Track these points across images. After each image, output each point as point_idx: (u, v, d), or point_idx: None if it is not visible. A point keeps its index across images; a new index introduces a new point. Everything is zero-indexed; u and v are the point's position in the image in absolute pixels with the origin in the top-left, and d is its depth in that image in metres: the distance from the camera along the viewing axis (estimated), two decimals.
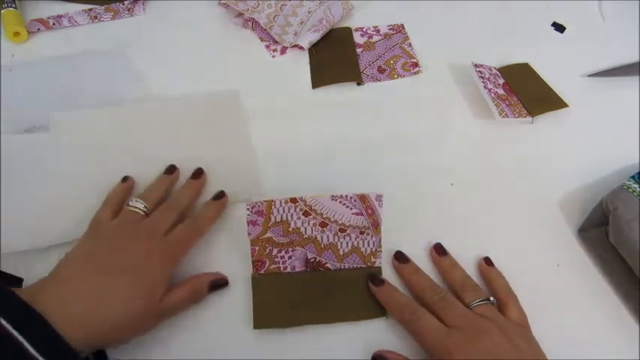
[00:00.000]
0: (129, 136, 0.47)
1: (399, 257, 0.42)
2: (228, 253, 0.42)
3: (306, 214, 0.39)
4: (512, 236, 0.45)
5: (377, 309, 0.40)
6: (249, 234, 0.39)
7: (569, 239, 0.45)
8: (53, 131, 0.47)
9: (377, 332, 0.40)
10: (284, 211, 0.39)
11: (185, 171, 0.45)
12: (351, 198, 0.39)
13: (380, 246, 0.41)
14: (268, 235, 0.40)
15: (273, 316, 0.39)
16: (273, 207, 0.39)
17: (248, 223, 0.39)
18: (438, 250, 0.42)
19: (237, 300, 0.40)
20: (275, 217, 0.39)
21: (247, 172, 0.47)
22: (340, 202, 0.39)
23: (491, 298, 0.37)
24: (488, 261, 0.42)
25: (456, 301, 0.37)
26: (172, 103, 0.51)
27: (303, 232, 0.40)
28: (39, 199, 0.43)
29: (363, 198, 0.39)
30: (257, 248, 0.40)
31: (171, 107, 0.50)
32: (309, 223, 0.40)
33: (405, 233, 0.44)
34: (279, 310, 0.39)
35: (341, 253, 0.41)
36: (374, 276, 0.40)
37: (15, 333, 0.28)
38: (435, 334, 0.35)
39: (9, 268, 0.38)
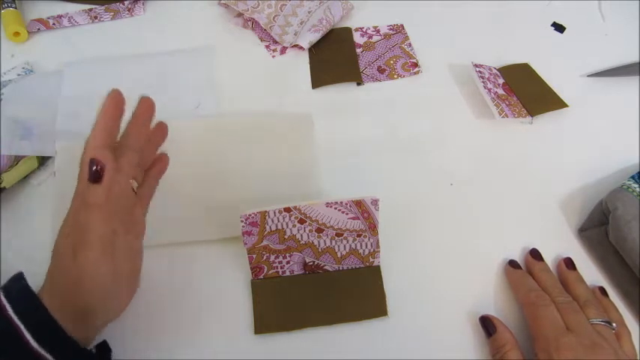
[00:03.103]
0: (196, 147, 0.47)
1: (534, 255, 0.43)
2: (228, 259, 0.43)
3: (301, 221, 0.39)
4: (512, 236, 0.45)
5: (377, 309, 0.40)
6: (245, 244, 0.39)
7: (569, 239, 0.45)
8: None
9: (377, 332, 0.40)
10: (278, 220, 0.39)
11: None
12: (346, 204, 0.39)
13: (378, 246, 0.41)
14: (265, 243, 0.40)
15: (273, 321, 0.39)
16: (267, 217, 0.39)
17: (243, 233, 0.39)
18: (567, 263, 0.42)
19: (238, 306, 0.40)
20: (270, 227, 0.39)
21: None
22: (335, 209, 0.39)
23: (614, 324, 0.37)
24: (603, 290, 0.42)
25: (580, 311, 0.38)
26: (248, 118, 0.51)
27: (300, 239, 0.40)
28: None
29: (358, 203, 0.39)
30: (254, 256, 0.40)
31: (245, 122, 0.50)
32: (305, 230, 0.40)
33: (405, 233, 0.44)
34: (279, 315, 0.40)
35: (339, 255, 0.41)
36: (513, 260, 0.43)
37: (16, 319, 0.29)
38: (553, 326, 0.36)
39: None
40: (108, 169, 0.32)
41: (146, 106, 0.38)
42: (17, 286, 0.32)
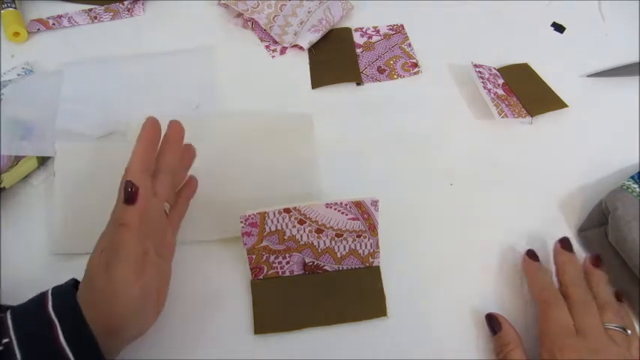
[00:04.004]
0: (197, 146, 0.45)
1: (564, 245, 0.41)
2: (228, 259, 0.43)
3: (301, 222, 0.39)
4: (512, 236, 0.45)
5: (377, 309, 0.40)
6: (244, 244, 0.39)
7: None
8: (129, 137, 0.48)
9: (377, 332, 0.40)
10: (278, 221, 0.39)
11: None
12: (346, 205, 0.39)
13: (377, 247, 0.41)
14: (264, 243, 0.40)
15: (273, 321, 0.39)
16: (266, 218, 0.39)
17: (243, 234, 0.39)
18: (594, 260, 0.41)
19: (238, 306, 0.40)
20: (269, 227, 0.39)
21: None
22: (335, 209, 0.39)
23: (629, 331, 0.37)
24: (619, 295, 0.41)
25: (597, 314, 0.37)
26: (248, 118, 0.51)
27: (299, 239, 0.40)
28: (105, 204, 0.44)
29: (358, 204, 0.39)
30: (254, 257, 0.40)
31: (245, 122, 0.50)
32: (304, 231, 0.40)
33: (405, 233, 0.44)
34: (279, 315, 0.40)
35: (339, 255, 0.41)
36: (531, 250, 0.42)
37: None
38: (560, 327, 0.36)
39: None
40: (142, 192, 0.34)
41: (176, 129, 0.39)
42: (65, 288, 0.34)
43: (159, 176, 0.37)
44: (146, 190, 0.35)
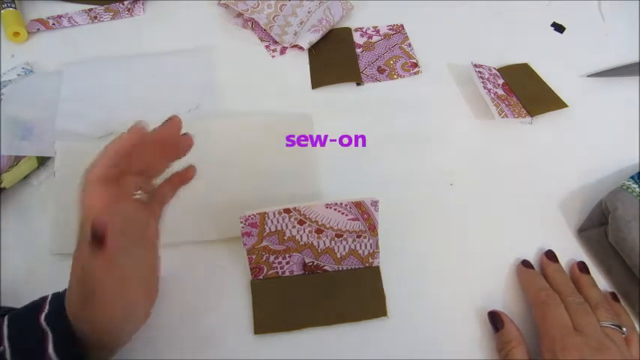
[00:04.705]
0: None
1: (549, 256, 0.43)
2: (228, 259, 0.43)
3: (301, 222, 0.39)
4: (512, 236, 0.45)
5: (377, 309, 0.40)
6: (244, 244, 0.39)
7: (569, 239, 0.45)
8: None
9: (377, 332, 0.40)
10: (278, 222, 0.39)
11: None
12: (346, 205, 0.39)
13: (377, 247, 0.41)
14: (264, 244, 0.40)
15: (273, 321, 0.39)
16: (266, 218, 0.39)
17: (243, 234, 0.39)
18: (581, 266, 0.42)
19: (238, 306, 0.40)
20: (269, 228, 0.39)
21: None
22: (335, 210, 0.39)
23: (624, 329, 0.37)
24: (614, 296, 0.41)
25: (592, 312, 0.38)
26: (248, 118, 0.51)
27: (299, 240, 0.40)
28: None
29: (358, 205, 0.39)
30: (254, 257, 0.40)
31: (245, 122, 0.50)
32: (304, 231, 0.40)
33: (405, 233, 0.44)
34: (279, 315, 0.40)
35: (339, 256, 0.41)
36: (526, 260, 0.43)
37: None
38: (560, 326, 0.36)
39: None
40: (110, 234, 0.30)
41: (168, 130, 0.36)
42: (62, 297, 0.33)
43: (131, 177, 0.35)
44: (113, 230, 0.30)
